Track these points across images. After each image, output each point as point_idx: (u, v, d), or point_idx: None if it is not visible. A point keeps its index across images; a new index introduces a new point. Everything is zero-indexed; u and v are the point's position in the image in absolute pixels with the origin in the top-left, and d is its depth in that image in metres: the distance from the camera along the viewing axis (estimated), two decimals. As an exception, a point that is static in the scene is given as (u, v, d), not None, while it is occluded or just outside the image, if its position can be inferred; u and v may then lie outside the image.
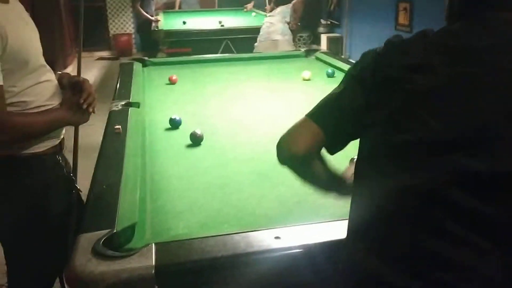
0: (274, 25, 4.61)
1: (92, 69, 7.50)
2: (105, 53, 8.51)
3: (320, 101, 1.05)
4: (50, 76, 1.61)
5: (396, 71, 0.93)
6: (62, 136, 1.66)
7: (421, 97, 0.88)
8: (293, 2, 4.72)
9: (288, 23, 4.67)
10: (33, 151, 1.52)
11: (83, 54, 7.22)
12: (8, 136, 1.43)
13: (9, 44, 1.39)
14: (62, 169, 1.66)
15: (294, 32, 4.82)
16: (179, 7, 7.76)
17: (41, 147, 1.54)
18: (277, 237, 1.18)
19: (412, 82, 0.90)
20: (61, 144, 1.66)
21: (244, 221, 1.37)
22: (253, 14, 6.79)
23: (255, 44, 4.72)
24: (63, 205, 1.63)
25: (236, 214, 1.42)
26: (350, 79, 1.03)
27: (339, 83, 1.06)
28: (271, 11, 5.89)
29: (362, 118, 0.98)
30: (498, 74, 0.86)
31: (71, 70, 7.08)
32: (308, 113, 1.05)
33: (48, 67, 1.62)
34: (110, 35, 8.58)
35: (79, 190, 1.74)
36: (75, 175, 1.77)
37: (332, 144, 1.03)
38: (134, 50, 8.44)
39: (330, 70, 3.10)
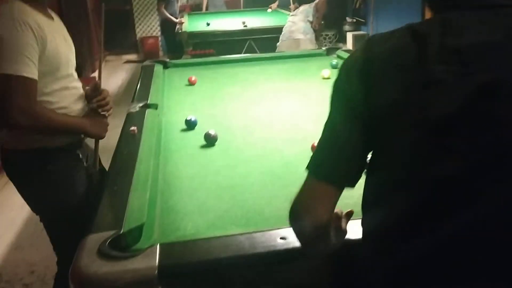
0: (296, 24, 4.57)
1: (120, 72, 7.63)
2: (132, 56, 8.65)
3: (319, 150, 0.91)
4: (77, 85, 1.85)
5: (395, 93, 0.78)
6: (82, 135, 1.87)
7: (442, 126, 0.75)
8: (315, 1, 4.66)
9: (311, 22, 4.63)
10: (55, 145, 1.75)
11: (111, 58, 7.34)
12: (29, 122, 1.60)
13: (47, 49, 1.62)
14: (81, 161, 1.87)
15: (317, 31, 4.76)
16: (206, 9, 7.81)
17: (63, 142, 1.78)
18: (282, 238, 1.16)
19: (423, 109, 0.75)
20: (80, 142, 1.88)
21: (252, 222, 1.36)
22: (269, 10, 6.81)
23: (278, 43, 4.69)
24: (82, 191, 1.84)
25: (244, 215, 1.40)
26: (339, 109, 0.88)
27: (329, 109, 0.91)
28: (294, 10, 5.86)
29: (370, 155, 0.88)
30: None
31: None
32: (312, 170, 0.90)
33: (76, 77, 1.86)
34: (137, 38, 8.71)
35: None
36: (94, 170, 1.95)
37: (350, 185, 0.90)
38: (161, 53, 8.54)
39: (334, 61, 3.17)
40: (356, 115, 0.84)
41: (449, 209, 0.77)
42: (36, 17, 1.60)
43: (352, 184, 0.90)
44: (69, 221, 1.75)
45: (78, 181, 1.84)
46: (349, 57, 0.90)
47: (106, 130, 1.91)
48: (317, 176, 0.89)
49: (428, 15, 0.89)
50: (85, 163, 1.88)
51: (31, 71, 1.56)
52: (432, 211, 0.79)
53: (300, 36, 4.49)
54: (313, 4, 4.65)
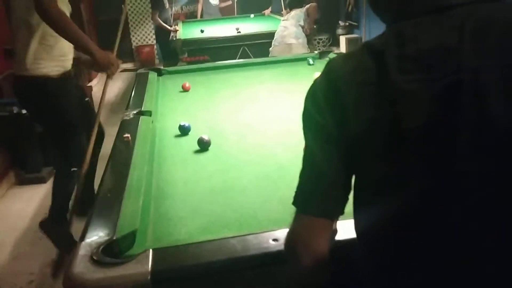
0: (288, 29, 4.59)
1: (116, 81, 7.62)
2: (128, 65, 8.65)
3: (303, 184, 0.88)
4: None
5: (366, 112, 0.78)
6: (69, 67, 2.51)
7: (419, 136, 0.74)
8: (306, 6, 4.69)
9: (303, 27, 4.65)
10: (53, 73, 2.40)
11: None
12: (53, 16, 2.14)
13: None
14: (73, 86, 2.60)
15: (309, 35, 4.79)
16: (201, 17, 7.83)
17: (55, 72, 2.41)
18: (274, 240, 1.16)
19: (397, 123, 0.75)
20: (66, 74, 2.48)
21: (245, 225, 1.36)
22: (252, 16, 6.93)
23: (270, 48, 4.71)
24: (76, 105, 2.54)
25: (238, 218, 1.41)
26: (315, 140, 0.86)
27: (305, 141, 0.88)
28: (286, 15, 5.91)
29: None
30: (495, 72, 0.71)
31: (95, 83, 7.24)
32: (300, 207, 0.88)
33: None
34: (133, 47, 8.72)
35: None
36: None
37: (341, 213, 0.88)
38: (157, 61, 8.55)
39: (310, 60, 3.39)
40: (333, 142, 0.83)
41: (438, 211, 0.77)
42: None
43: (342, 212, 0.88)
44: (67, 123, 2.46)
45: (70, 101, 2.48)
46: (312, 85, 0.88)
47: (111, 65, 2.43)
48: (306, 213, 0.87)
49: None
50: (76, 90, 2.63)
51: None
52: (421, 214, 0.79)
53: (292, 40, 4.52)
54: (304, 9, 4.67)
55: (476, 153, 0.73)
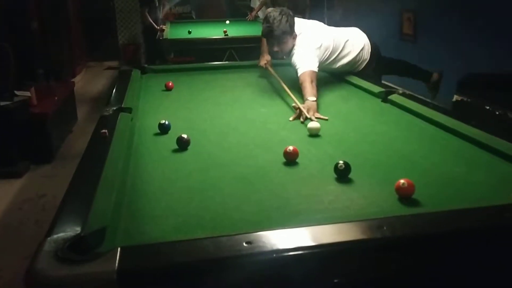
0: None
1: (101, 78, 7.57)
2: (114, 63, 8.57)
3: None
4: None
5: None
6: None
7: None
8: None
9: None
10: None
11: (92, 63, 7.34)
12: None
13: None
14: None
15: None
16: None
17: None
18: (248, 242, 1.13)
19: None
20: None
21: (220, 226, 1.32)
22: (227, 22, 6.75)
23: None
24: None
25: (213, 219, 1.37)
26: None
27: None
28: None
29: None
30: None
31: (79, 79, 7.14)
32: None
33: None
34: (119, 45, 8.64)
35: None
36: None
37: None
38: (143, 60, 8.49)
39: None
40: None
41: None
42: None
43: None
44: None
45: None
46: None
47: None
48: None
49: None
50: None
51: None
52: None
53: None
54: None
55: None
